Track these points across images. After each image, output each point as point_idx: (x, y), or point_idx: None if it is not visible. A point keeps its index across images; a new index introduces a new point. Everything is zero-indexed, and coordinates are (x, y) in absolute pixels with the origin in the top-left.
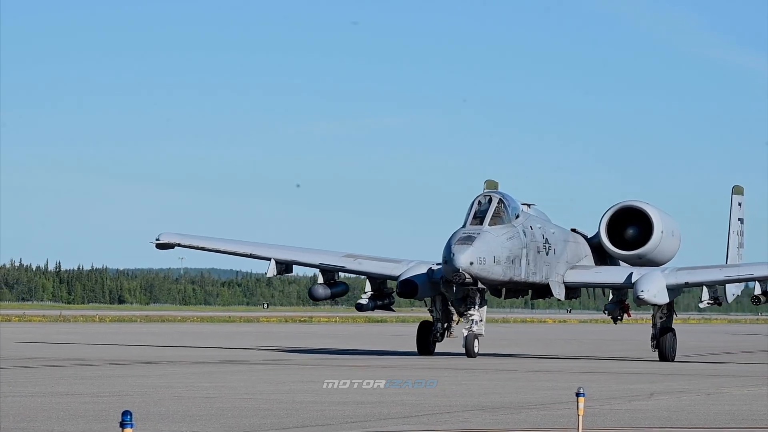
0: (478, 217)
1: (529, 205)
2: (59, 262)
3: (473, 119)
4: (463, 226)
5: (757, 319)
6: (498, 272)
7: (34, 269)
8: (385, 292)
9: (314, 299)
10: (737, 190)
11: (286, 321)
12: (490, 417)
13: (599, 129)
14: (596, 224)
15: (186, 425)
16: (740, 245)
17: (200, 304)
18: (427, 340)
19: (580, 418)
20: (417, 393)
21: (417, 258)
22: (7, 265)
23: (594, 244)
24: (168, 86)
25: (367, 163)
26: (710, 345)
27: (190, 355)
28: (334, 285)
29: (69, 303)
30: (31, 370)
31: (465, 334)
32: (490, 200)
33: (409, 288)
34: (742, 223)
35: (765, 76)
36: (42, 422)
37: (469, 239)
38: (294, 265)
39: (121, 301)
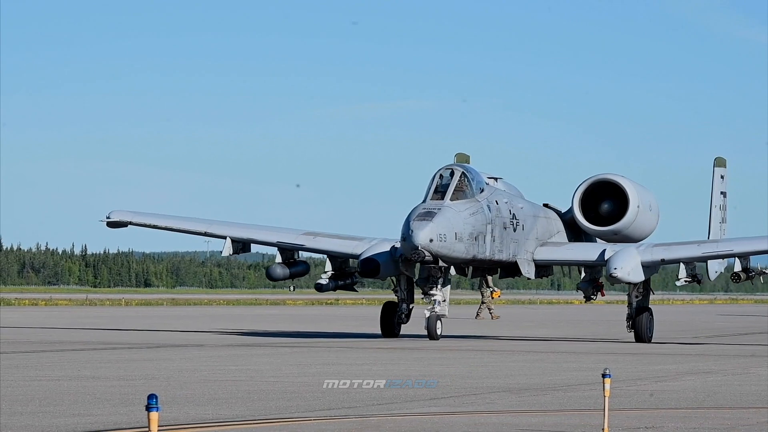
0: (440, 192)
1: (496, 179)
2: (85, 246)
3: (444, 93)
4: (423, 201)
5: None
6: (460, 249)
7: (60, 253)
8: (348, 271)
9: (271, 279)
10: (719, 162)
11: (312, 304)
12: (516, 398)
13: (575, 101)
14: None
15: (212, 408)
16: (723, 220)
17: (227, 287)
18: (391, 321)
19: (606, 399)
20: (436, 378)
21: (381, 235)
22: (33, 250)
23: (567, 219)
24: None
25: (335, 139)
26: (721, 326)
27: (216, 339)
28: (294, 264)
29: (95, 287)
30: (57, 353)
31: (427, 315)
32: (452, 174)
33: (371, 267)
34: (725, 197)
35: (748, 44)
36: (68, 406)
37: (429, 215)
38: (252, 244)
39: (147, 285)
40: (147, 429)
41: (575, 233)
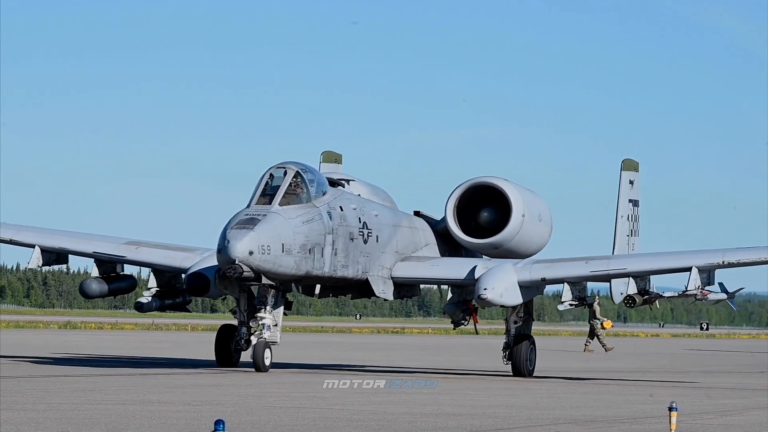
0: (268, 195)
1: (348, 181)
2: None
3: (311, 84)
4: (247, 206)
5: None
6: (288, 264)
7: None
8: (178, 288)
9: (86, 297)
10: (628, 165)
11: (378, 332)
12: (583, 430)
13: (463, 94)
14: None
15: None
16: (632, 233)
17: (293, 314)
18: (228, 348)
19: None
20: (491, 399)
21: (217, 246)
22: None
23: (441, 230)
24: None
25: (191, 136)
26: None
27: (281, 365)
28: (115, 279)
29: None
30: (123, 378)
31: (253, 342)
32: (285, 174)
33: (199, 283)
34: (635, 205)
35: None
36: (134, 430)
37: (250, 222)
38: (69, 255)
39: (213, 311)
40: None
41: (452, 246)
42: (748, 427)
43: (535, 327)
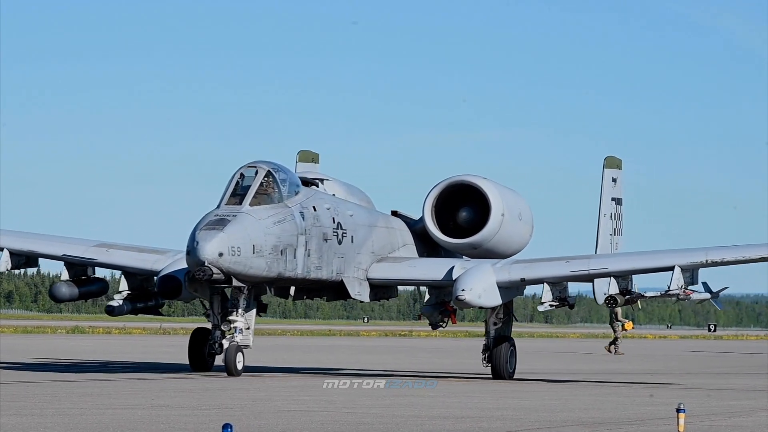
0: (238, 195)
1: (322, 180)
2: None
3: (289, 83)
4: (217, 206)
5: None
6: (260, 266)
7: None
8: (150, 291)
9: (55, 300)
10: (611, 163)
11: (386, 335)
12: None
13: (446, 92)
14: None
15: None
16: (615, 232)
17: (300, 317)
18: (202, 352)
19: None
20: (501, 402)
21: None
22: (108, 279)
23: (419, 230)
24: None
25: (165, 135)
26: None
27: (289, 368)
28: (86, 283)
29: (169, 315)
30: (131, 382)
31: (225, 345)
32: (256, 173)
33: (170, 286)
34: (618, 204)
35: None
36: None
37: (220, 223)
38: (38, 258)
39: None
40: None
41: (431, 247)
42: (756, 428)
43: (543, 329)
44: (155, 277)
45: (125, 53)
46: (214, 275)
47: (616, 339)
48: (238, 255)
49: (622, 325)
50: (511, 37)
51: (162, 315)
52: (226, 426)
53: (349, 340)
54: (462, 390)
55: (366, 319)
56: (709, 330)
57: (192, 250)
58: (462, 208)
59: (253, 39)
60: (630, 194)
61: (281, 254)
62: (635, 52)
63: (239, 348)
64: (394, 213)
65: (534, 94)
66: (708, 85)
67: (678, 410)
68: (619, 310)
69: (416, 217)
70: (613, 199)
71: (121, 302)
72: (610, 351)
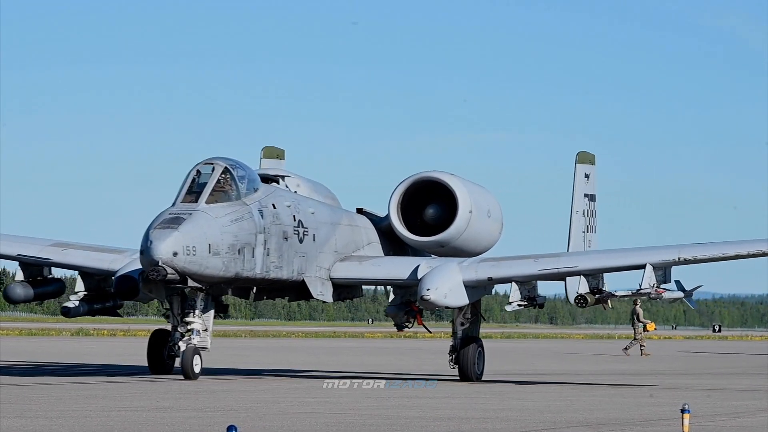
0: (194, 193)
1: (283, 177)
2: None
3: (252, 79)
4: (173, 204)
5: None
6: (216, 265)
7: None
8: (108, 292)
9: (10, 301)
10: (583, 158)
11: (391, 336)
12: None
13: (416, 88)
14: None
15: None
16: (588, 229)
17: (305, 319)
18: (161, 354)
19: None
20: (504, 403)
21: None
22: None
23: (385, 228)
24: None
25: (126, 131)
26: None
27: (294, 370)
28: (41, 284)
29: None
30: (137, 384)
31: (182, 348)
32: (213, 170)
33: (127, 286)
34: (592, 200)
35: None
36: None
37: (174, 222)
38: None
39: (226, 316)
40: None
41: (397, 245)
42: (761, 428)
43: (550, 330)
44: (112, 278)
45: (71, 50)
46: (169, 275)
47: (635, 339)
48: (194, 254)
49: (644, 326)
50: (481, 32)
51: (120, 316)
52: (230, 428)
53: (354, 341)
54: (464, 391)
55: (371, 320)
56: (714, 330)
57: (145, 250)
58: (429, 205)
59: (216, 34)
60: (608, 191)
61: (239, 253)
62: (627, 50)
63: (196, 350)
64: (360, 210)
65: (510, 90)
66: (692, 81)
67: (683, 411)
68: (640, 311)
69: (382, 214)
70: (585, 195)
71: (77, 303)
72: (627, 353)
